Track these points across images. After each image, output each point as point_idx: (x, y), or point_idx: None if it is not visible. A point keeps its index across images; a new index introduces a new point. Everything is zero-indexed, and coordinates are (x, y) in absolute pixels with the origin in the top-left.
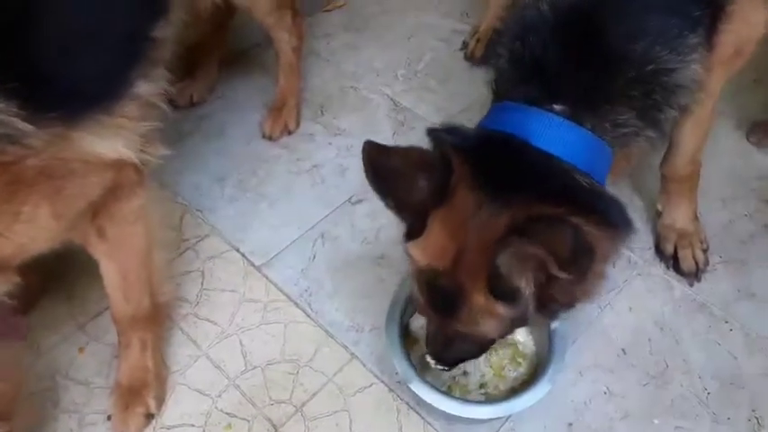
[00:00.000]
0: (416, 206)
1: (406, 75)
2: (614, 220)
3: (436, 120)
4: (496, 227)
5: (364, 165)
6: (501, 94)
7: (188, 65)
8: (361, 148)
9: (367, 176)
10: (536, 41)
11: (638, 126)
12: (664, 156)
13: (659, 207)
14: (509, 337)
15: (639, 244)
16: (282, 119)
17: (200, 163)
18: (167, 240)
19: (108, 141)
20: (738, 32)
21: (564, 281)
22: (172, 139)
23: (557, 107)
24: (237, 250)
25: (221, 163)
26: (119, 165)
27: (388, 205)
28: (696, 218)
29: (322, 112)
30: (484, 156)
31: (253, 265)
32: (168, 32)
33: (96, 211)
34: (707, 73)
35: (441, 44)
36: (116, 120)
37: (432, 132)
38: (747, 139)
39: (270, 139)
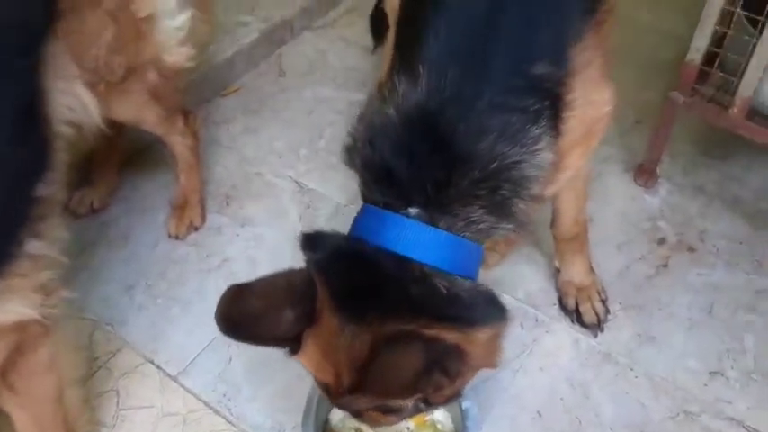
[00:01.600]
0: (285, 336)
1: (308, 154)
2: (481, 317)
3: (341, 199)
4: (360, 350)
5: (216, 320)
6: (365, 196)
7: (85, 171)
8: (268, 237)
9: (220, 329)
10: (385, 146)
11: (491, 221)
12: (551, 220)
13: (556, 264)
14: (428, 417)
15: (545, 301)
16: (187, 217)
17: (106, 273)
18: (78, 363)
19: (4, 306)
20: (584, 116)
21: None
22: (75, 251)
23: (412, 210)
24: (152, 362)
25: (129, 270)
26: (20, 325)
27: (250, 344)
28: (591, 270)
29: (227, 202)
30: (339, 272)
31: (169, 375)
32: (54, 189)
33: (4, 371)
34: (559, 157)
35: (339, 117)
36: (9, 282)
37: (302, 245)
38: (635, 182)
39: (177, 238)
